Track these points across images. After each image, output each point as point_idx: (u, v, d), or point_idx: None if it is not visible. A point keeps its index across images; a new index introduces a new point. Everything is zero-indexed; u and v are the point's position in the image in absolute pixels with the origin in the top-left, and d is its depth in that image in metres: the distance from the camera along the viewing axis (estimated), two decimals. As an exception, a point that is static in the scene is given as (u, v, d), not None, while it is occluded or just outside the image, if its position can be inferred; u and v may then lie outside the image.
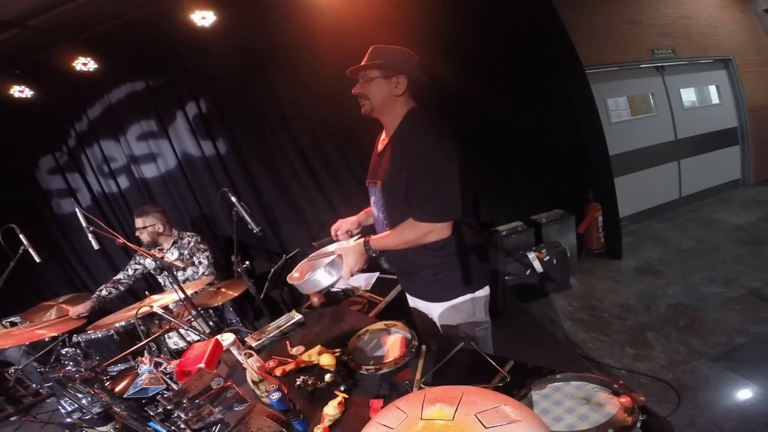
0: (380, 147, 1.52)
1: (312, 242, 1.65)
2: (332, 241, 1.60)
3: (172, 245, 2.74)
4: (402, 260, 1.52)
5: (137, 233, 2.67)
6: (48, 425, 1.58)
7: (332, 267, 1.26)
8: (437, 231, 1.31)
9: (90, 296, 2.66)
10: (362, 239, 1.37)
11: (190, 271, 2.72)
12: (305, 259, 1.47)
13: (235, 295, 2.45)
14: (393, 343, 1.37)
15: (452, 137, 1.31)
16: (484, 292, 1.49)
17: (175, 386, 1.10)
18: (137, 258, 2.83)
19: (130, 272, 2.81)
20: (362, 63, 1.36)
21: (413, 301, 1.69)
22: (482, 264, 1.49)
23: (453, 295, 1.45)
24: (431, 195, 1.27)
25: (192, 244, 2.76)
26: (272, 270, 2.54)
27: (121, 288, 2.76)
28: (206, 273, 2.74)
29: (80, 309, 2.51)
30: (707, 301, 2.81)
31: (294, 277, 1.33)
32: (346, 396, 1.12)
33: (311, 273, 1.26)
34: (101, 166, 3.34)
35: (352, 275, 1.30)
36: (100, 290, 2.68)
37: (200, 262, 2.75)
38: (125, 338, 2.23)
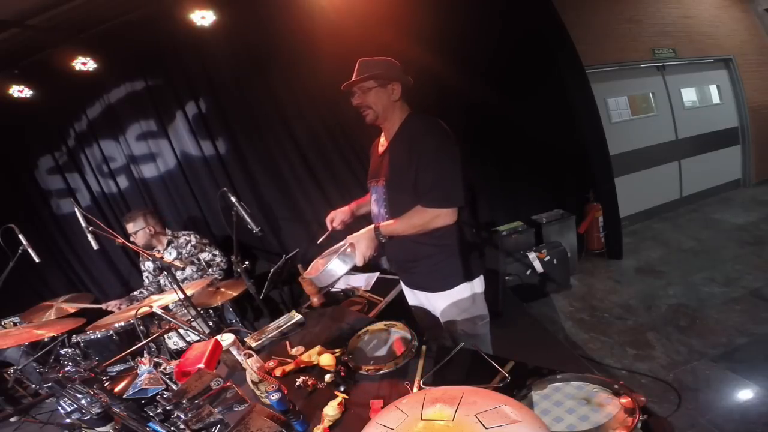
0: (380, 150, 1.61)
1: (317, 242, 1.74)
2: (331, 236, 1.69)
3: (168, 245, 2.74)
4: (403, 251, 1.58)
5: (131, 238, 2.66)
6: (47, 426, 1.57)
7: (345, 256, 1.33)
8: (443, 216, 1.39)
9: (88, 296, 2.66)
10: (372, 226, 1.44)
11: (189, 270, 2.71)
12: (319, 257, 1.54)
13: (235, 295, 2.45)
14: (393, 343, 1.37)
15: (451, 134, 1.44)
16: (481, 282, 1.58)
17: (174, 387, 1.10)
18: (142, 267, 2.88)
19: (146, 283, 2.84)
20: (354, 77, 1.47)
21: (413, 298, 1.74)
22: (477, 253, 1.59)
23: (451, 284, 1.52)
24: (438, 182, 1.37)
25: (193, 242, 2.77)
26: (272, 270, 2.54)
27: (145, 293, 2.77)
28: (223, 260, 2.78)
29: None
30: (708, 301, 2.81)
31: (310, 272, 1.38)
32: (346, 396, 1.12)
33: (326, 264, 1.31)
34: (101, 166, 3.33)
35: (365, 261, 1.37)
36: (132, 293, 2.75)
37: (214, 254, 2.78)
38: (124, 338, 2.23)
